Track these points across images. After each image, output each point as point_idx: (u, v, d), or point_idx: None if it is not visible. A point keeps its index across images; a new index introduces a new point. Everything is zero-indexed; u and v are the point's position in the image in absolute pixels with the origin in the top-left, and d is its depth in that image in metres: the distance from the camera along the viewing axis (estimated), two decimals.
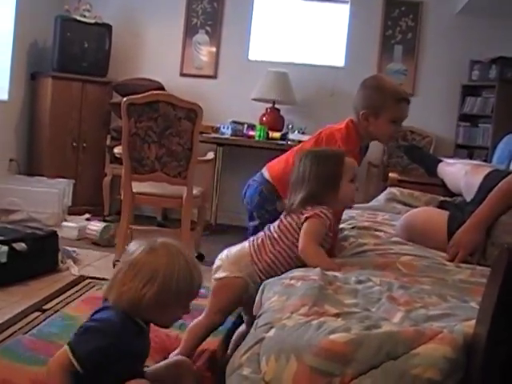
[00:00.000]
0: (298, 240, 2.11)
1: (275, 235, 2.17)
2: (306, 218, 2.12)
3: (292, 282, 1.64)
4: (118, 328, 1.70)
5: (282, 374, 1.28)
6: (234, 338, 2.34)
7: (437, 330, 1.26)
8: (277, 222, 2.22)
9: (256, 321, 1.59)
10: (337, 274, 1.87)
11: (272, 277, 1.95)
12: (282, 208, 2.26)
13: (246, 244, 2.24)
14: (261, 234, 2.25)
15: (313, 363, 1.24)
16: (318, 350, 1.25)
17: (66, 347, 1.67)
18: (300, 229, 2.13)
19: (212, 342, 2.38)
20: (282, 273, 1.97)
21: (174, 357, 2.12)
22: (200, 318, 2.22)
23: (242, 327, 2.34)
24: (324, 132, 2.64)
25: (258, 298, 1.83)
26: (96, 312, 1.77)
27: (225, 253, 2.25)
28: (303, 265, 2.02)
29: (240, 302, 2.22)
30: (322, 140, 2.59)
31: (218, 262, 2.23)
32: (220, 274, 2.18)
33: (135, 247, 1.79)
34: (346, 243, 2.52)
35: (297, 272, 1.76)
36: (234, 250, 2.25)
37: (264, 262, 2.14)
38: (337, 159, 2.25)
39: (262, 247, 2.17)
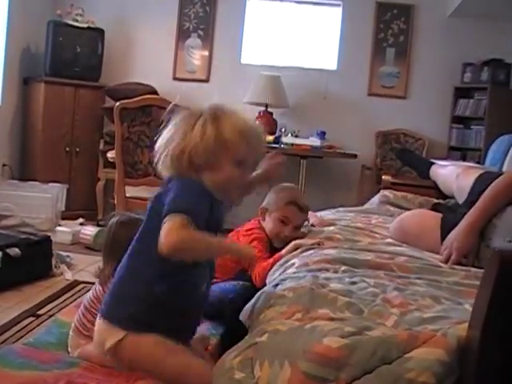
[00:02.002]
0: None
1: (88, 306, 2.23)
2: None
3: (285, 292, 1.64)
4: (200, 184, 1.68)
5: (276, 380, 1.28)
6: None
7: (430, 334, 1.26)
8: (91, 293, 2.29)
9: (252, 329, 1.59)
10: (330, 275, 1.87)
11: None
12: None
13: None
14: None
15: (307, 369, 1.24)
16: (311, 356, 1.25)
17: (173, 215, 1.54)
18: None
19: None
20: None
21: None
22: None
23: None
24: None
25: (249, 307, 1.82)
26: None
27: None
28: None
29: None
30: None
31: None
32: None
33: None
34: (339, 236, 2.54)
35: (289, 283, 1.76)
36: None
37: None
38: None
39: (86, 320, 2.23)
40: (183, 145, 1.69)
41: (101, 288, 2.24)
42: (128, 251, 1.76)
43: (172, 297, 1.67)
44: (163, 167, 1.74)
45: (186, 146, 1.69)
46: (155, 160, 1.77)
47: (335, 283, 1.76)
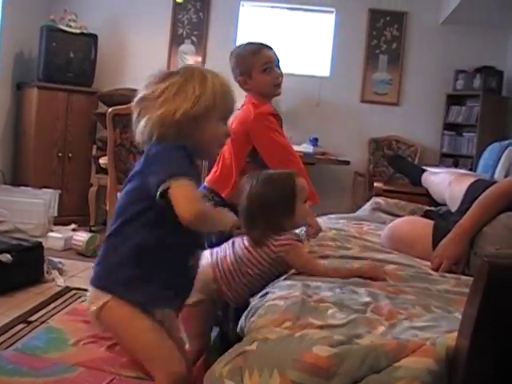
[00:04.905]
0: (272, 270, 2.06)
1: (248, 270, 2.07)
2: (285, 251, 2.04)
3: (275, 301, 1.64)
4: (185, 148, 1.67)
5: None
6: None
7: (419, 343, 1.26)
8: (243, 252, 2.10)
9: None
10: (320, 284, 1.87)
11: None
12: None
13: (207, 266, 2.09)
14: (224, 259, 2.13)
15: (296, 378, 1.24)
16: (301, 365, 1.24)
17: (178, 180, 1.55)
18: (273, 259, 2.05)
19: None
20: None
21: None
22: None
23: None
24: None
25: (242, 322, 1.80)
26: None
27: None
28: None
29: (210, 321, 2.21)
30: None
31: None
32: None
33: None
34: (331, 242, 2.54)
35: (279, 292, 1.76)
36: None
37: (235, 292, 2.08)
38: (289, 181, 2.17)
39: (232, 280, 2.08)
40: (174, 106, 1.68)
41: (260, 251, 2.07)
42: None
43: (160, 250, 1.66)
44: (146, 131, 1.71)
45: (178, 107, 1.68)
46: (134, 127, 1.77)
47: (326, 292, 1.76)
